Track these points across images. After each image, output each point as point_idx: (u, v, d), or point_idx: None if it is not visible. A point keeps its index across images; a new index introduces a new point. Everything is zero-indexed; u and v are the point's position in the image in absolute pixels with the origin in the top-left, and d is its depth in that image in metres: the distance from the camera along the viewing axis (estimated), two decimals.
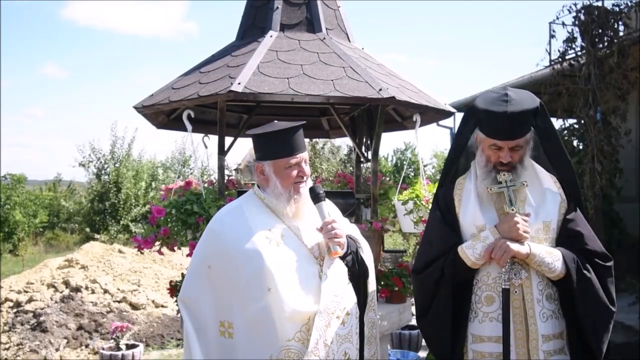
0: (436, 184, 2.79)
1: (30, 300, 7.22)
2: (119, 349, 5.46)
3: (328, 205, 2.18)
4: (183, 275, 3.59)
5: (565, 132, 6.64)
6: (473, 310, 2.18)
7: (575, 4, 6.34)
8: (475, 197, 2.20)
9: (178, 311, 3.56)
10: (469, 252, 2.12)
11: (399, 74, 3.84)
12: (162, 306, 7.65)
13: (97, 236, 14.31)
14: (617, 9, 6.23)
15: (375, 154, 3.68)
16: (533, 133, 2.16)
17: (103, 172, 16.05)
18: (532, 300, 2.10)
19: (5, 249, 14.56)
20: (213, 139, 3.67)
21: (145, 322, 7.11)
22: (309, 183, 2.19)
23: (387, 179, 4.90)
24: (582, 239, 2.16)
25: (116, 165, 15.94)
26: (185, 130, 3.48)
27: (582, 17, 6.16)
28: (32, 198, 16.88)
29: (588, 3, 6.28)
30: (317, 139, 13.60)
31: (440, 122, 8.38)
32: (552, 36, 7.28)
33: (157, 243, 3.42)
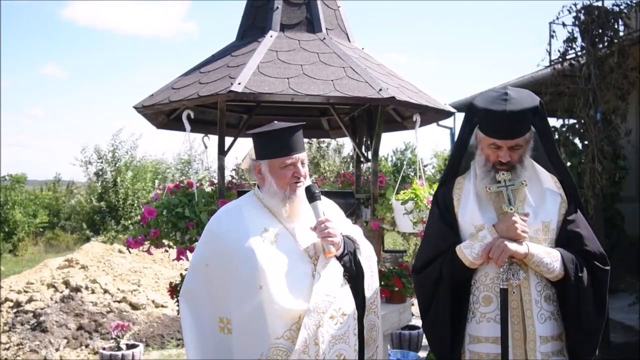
0: (434, 184, 2.80)
1: (30, 300, 7.22)
2: (119, 349, 5.46)
3: (324, 205, 2.17)
4: (182, 276, 3.60)
5: (565, 130, 6.64)
6: (471, 311, 2.17)
7: (575, 4, 6.34)
8: (474, 196, 2.19)
9: (178, 311, 3.58)
10: (467, 251, 2.11)
11: (399, 74, 3.84)
12: (162, 306, 7.64)
13: (93, 239, 14.29)
14: (617, 9, 6.22)
15: (375, 154, 3.68)
16: (533, 132, 2.15)
17: (101, 172, 16.04)
18: (530, 301, 2.09)
19: (5, 249, 14.55)
20: (213, 139, 3.67)
21: (145, 322, 7.11)
22: (308, 183, 2.18)
23: (388, 179, 4.90)
24: (582, 240, 2.14)
25: (117, 165, 15.94)
26: (185, 130, 3.48)
27: (582, 17, 6.15)
28: (32, 198, 16.90)
29: (588, 3, 6.27)
30: (323, 139, 13.61)
31: (440, 122, 8.38)
32: (552, 36, 7.28)
33: (147, 243, 3.43)
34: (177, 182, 3.64)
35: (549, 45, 7.23)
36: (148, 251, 3.45)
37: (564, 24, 6.91)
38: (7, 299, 7.34)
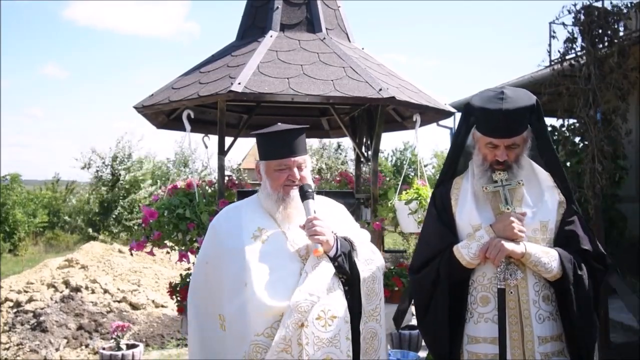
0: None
1: (30, 300, 7.22)
2: (119, 348, 5.46)
3: (319, 204, 2.13)
4: (182, 276, 3.61)
5: (565, 129, 6.64)
6: (468, 311, 2.17)
7: (575, 5, 6.34)
8: (471, 196, 2.19)
9: (178, 311, 3.59)
10: (464, 251, 2.11)
11: (399, 74, 3.84)
12: (162, 306, 7.64)
13: (95, 240, 14.28)
14: (617, 9, 6.22)
15: (375, 154, 3.68)
16: (530, 132, 2.13)
17: (103, 173, 16.04)
18: (528, 301, 2.08)
19: (5, 249, 14.55)
20: (213, 139, 3.67)
21: (145, 322, 7.11)
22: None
23: (388, 179, 4.90)
24: (581, 240, 2.13)
25: (117, 166, 15.94)
26: (185, 130, 3.49)
27: (582, 18, 6.15)
28: (32, 197, 16.89)
29: (588, 3, 6.27)
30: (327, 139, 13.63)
31: (440, 122, 8.39)
32: (552, 36, 7.29)
33: (149, 245, 3.44)
34: (174, 183, 3.64)
35: (549, 46, 7.23)
36: (150, 252, 3.45)
37: (564, 24, 6.91)
38: (7, 299, 7.34)
